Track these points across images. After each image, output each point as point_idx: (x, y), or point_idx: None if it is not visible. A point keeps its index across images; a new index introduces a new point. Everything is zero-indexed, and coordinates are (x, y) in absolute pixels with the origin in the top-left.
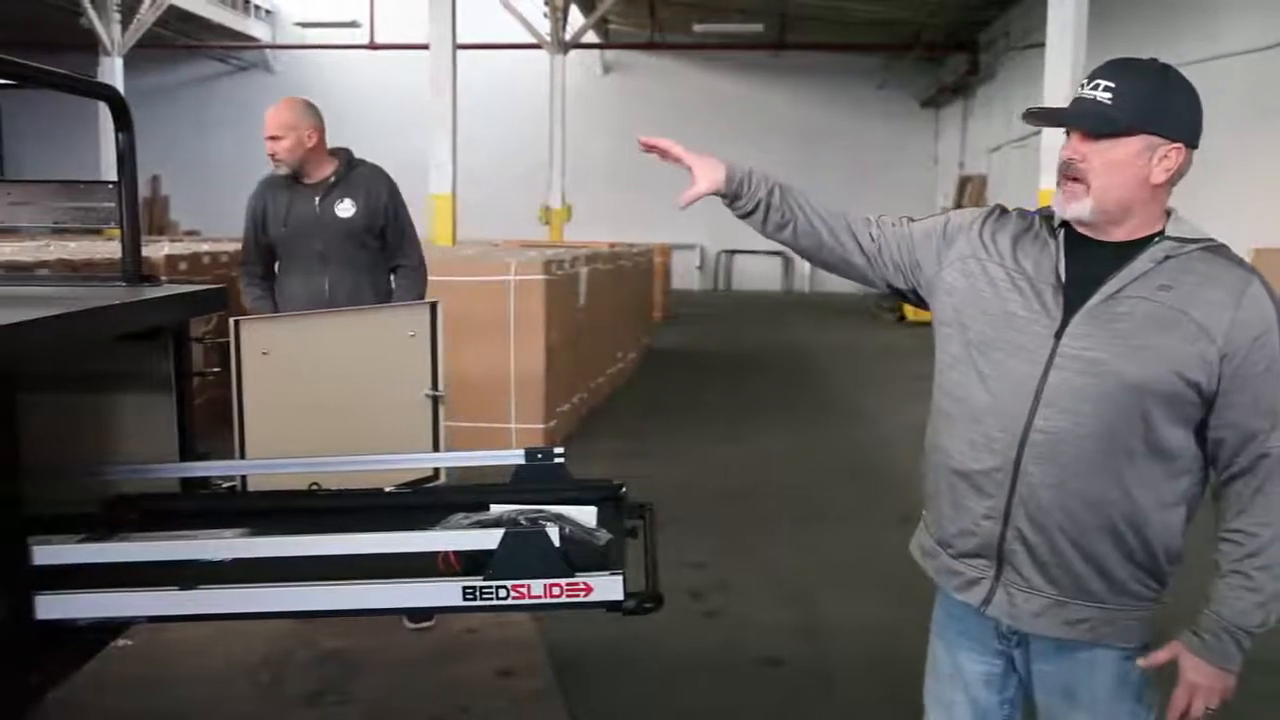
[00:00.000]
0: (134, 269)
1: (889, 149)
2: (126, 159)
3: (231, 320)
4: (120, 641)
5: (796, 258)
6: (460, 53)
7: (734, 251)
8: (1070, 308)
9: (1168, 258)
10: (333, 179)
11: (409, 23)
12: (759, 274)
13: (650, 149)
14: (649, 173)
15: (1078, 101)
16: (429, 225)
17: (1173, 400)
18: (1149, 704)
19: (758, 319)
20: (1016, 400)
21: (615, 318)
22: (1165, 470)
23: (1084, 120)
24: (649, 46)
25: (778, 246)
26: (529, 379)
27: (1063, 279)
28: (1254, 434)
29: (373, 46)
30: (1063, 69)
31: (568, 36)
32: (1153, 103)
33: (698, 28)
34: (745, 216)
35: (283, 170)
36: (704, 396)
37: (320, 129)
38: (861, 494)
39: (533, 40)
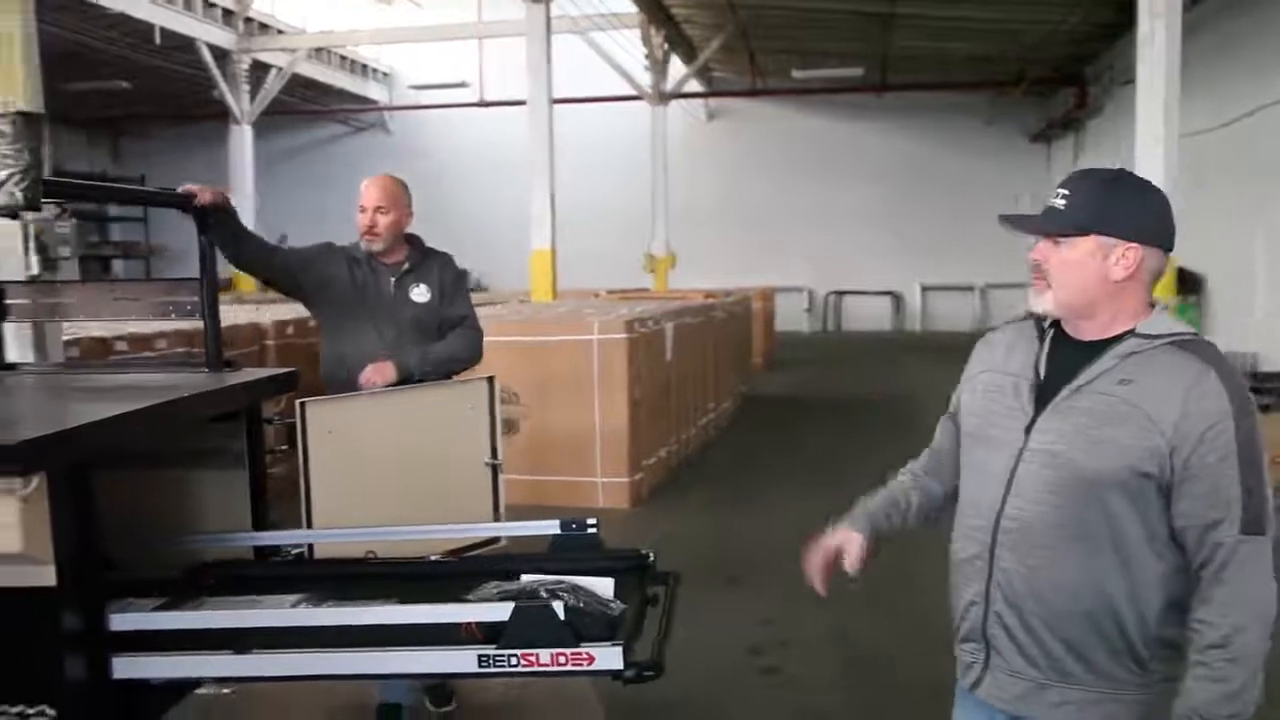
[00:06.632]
0: (215, 356)
1: (999, 185)
2: (207, 258)
3: (297, 402)
4: (224, 690)
5: (906, 296)
6: (565, 106)
7: (842, 293)
8: (1042, 403)
9: (1132, 354)
10: (407, 265)
11: (516, 80)
12: (869, 314)
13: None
14: (755, 217)
15: (1045, 209)
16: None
17: (1130, 491)
18: None
19: (865, 362)
20: (991, 490)
21: (707, 368)
22: (1135, 559)
23: (1037, 225)
24: (750, 94)
25: (886, 286)
26: (614, 434)
27: (1041, 376)
28: (1213, 524)
29: (483, 104)
30: (1155, 109)
31: (668, 87)
32: (1099, 206)
33: (797, 74)
34: (888, 531)
35: (376, 247)
36: (799, 447)
37: (412, 213)
38: None
39: (634, 92)
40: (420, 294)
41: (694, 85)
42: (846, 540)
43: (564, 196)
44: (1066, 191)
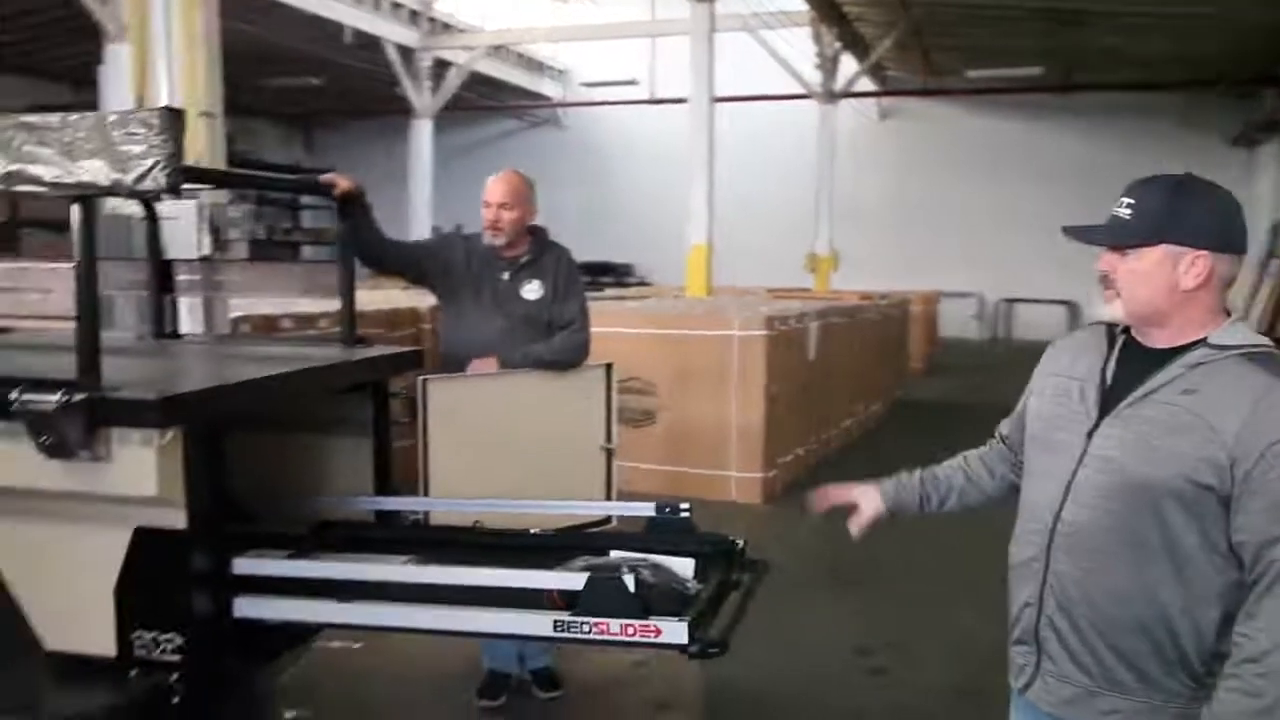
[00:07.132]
0: (350, 333)
1: None
2: (347, 243)
3: (419, 379)
4: (355, 644)
5: (1082, 305)
6: (733, 104)
7: (1014, 300)
8: (1106, 409)
9: (1200, 364)
10: (525, 258)
11: (687, 77)
12: (1041, 322)
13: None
14: (924, 219)
15: (1110, 219)
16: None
17: (1186, 501)
18: None
19: (1030, 370)
20: (1050, 494)
21: (855, 370)
22: (1190, 570)
23: (1104, 237)
24: (922, 93)
25: (1061, 294)
26: (749, 430)
27: (1107, 382)
28: (1270, 540)
29: (653, 101)
30: None
31: (838, 85)
32: (1166, 215)
33: (971, 73)
34: (919, 512)
35: (499, 242)
36: (944, 454)
37: (537, 210)
38: None
39: (803, 90)
40: (532, 290)
41: (866, 83)
42: (865, 502)
43: (727, 193)
44: (1131, 200)
